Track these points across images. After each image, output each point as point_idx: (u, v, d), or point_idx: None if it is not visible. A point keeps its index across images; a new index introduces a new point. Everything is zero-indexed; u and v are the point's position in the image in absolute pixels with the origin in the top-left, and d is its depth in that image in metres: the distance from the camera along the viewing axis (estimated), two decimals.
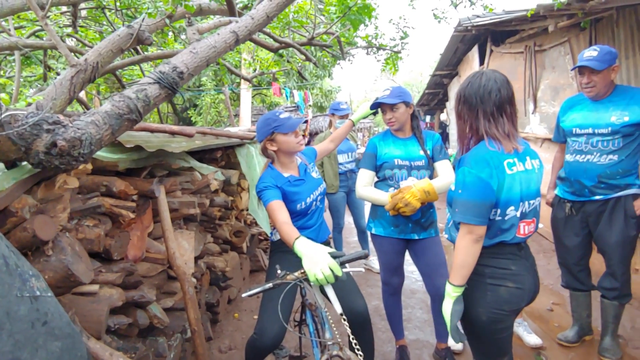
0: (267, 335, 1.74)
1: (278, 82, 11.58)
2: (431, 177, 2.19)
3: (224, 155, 3.39)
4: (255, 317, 3.04)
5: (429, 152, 2.20)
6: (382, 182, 2.26)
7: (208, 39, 1.91)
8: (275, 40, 4.07)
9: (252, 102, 12.30)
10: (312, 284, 1.41)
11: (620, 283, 2.25)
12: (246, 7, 3.80)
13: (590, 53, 2.11)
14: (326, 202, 3.93)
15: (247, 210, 3.65)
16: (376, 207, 2.27)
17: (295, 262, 1.52)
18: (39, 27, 3.92)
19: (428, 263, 2.23)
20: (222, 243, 3.25)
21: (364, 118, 2.35)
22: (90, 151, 1.35)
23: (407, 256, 2.34)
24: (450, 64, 8.24)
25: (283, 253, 1.98)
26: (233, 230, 3.40)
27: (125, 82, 4.78)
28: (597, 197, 2.23)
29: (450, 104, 9.06)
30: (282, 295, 1.56)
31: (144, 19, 2.23)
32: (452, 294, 1.45)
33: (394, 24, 5.47)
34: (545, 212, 2.57)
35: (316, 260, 1.35)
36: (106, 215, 1.86)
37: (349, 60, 6.69)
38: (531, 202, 1.48)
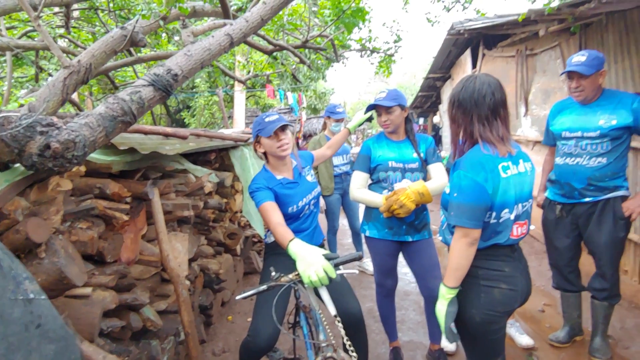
0: (261, 337, 1.75)
1: (272, 84, 11.58)
2: (425, 179, 2.21)
3: (217, 157, 3.39)
4: (249, 319, 3.03)
5: (422, 154, 2.22)
6: (375, 184, 2.28)
7: (202, 41, 1.92)
8: (270, 42, 4.08)
9: (246, 104, 12.29)
10: (306, 285, 1.41)
11: (609, 284, 2.28)
12: (240, 10, 3.80)
13: (579, 58, 2.15)
14: (323, 202, 3.94)
15: (241, 212, 3.65)
16: (370, 210, 2.29)
17: (289, 264, 1.53)
18: (31, 28, 3.90)
19: (421, 265, 2.25)
20: (216, 245, 3.24)
21: (360, 125, 2.41)
22: (83, 153, 1.34)
23: (401, 258, 2.35)
24: (443, 67, 8.32)
25: (277, 255, 1.98)
26: (227, 232, 3.39)
27: (118, 84, 4.75)
28: (587, 199, 2.26)
29: (443, 107, 9.13)
30: (276, 297, 1.56)
31: (137, 20, 2.23)
32: (446, 295, 1.46)
33: (387, 27, 5.52)
34: (537, 214, 2.60)
35: (310, 262, 1.36)
36: (99, 218, 1.85)
37: (342, 62, 6.72)
38: (524, 204, 1.50)
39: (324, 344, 1.51)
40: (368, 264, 4.01)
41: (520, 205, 1.48)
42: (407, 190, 2.03)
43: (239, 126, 9.75)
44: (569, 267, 2.45)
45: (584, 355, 2.46)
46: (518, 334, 2.64)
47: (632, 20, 3.18)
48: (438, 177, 2.19)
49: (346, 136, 2.35)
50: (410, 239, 2.23)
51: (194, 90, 13.31)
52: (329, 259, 1.37)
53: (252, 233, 4.14)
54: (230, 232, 3.43)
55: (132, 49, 3.75)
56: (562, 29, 3.90)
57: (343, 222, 4.45)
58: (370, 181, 2.31)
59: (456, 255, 1.43)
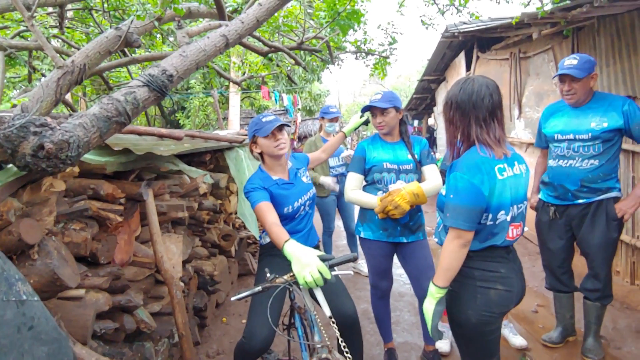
0: (255, 339, 1.74)
1: (267, 85, 11.57)
2: (419, 180, 2.22)
3: (212, 158, 3.38)
4: (244, 321, 3.02)
5: (416, 156, 2.24)
6: (370, 185, 2.28)
7: (198, 42, 1.91)
8: (265, 44, 4.08)
9: (241, 106, 12.25)
10: (301, 287, 1.41)
11: (602, 284, 2.31)
12: (236, 11, 3.80)
13: (571, 61, 2.17)
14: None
15: (236, 213, 3.64)
16: (365, 211, 2.30)
17: (284, 265, 1.53)
18: (24, 28, 3.86)
19: (416, 266, 2.26)
20: (211, 247, 3.23)
21: (356, 129, 2.44)
22: (77, 154, 1.33)
23: (396, 259, 2.36)
24: (438, 69, 8.37)
25: (272, 256, 1.98)
26: (221, 233, 3.38)
27: (112, 84, 4.73)
28: (580, 201, 2.28)
29: (438, 109, 9.19)
30: (271, 299, 1.56)
31: (132, 21, 2.22)
32: (435, 294, 1.46)
33: (382, 29, 5.53)
34: (531, 215, 2.62)
35: (305, 263, 1.36)
36: (93, 219, 1.84)
37: (338, 64, 6.75)
38: (519, 205, 1.52)
39: (318, 345, 1.51)
40: (363, 265, 4.01)
41: (515, 207, 1.49)
42: (402, 192, 2.04)
43: (234, 127, 9.73)
44: (562, 268, 2.47)
45: (577, 355, 2.48)
46: (512, 335, 2.66)
47: (624, 24, 3.23)
48: (432, 179, 2.20)
49: (342, 140, 2.37)
50: (404, 240, 2.24)
51: (189, 91, 13.25)
52: (324, 260, 1.38)
53: (247, 234, 4.13)
54: (224, 233, 3.42)
55: (126, 50, 3.74)
56: (555, 32, 3.95)
57: (338, 223, 4.46)
58: (365, 182, 2.32)
59: (448, 256, 1.43)
